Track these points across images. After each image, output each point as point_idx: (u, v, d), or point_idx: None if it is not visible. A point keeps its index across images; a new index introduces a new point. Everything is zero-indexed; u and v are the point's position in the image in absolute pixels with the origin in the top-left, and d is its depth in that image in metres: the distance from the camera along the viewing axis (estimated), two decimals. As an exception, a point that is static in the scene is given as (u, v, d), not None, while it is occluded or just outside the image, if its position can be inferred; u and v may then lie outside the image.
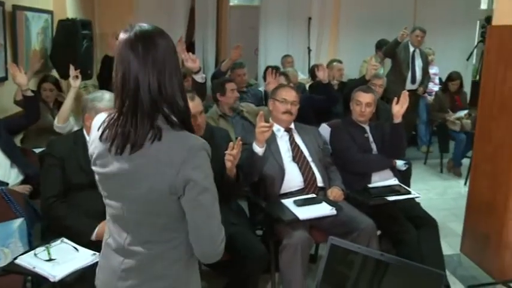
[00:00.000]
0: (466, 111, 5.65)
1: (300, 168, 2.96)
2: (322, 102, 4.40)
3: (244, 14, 7.46)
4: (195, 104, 2.48)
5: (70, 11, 5.01)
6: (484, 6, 7.68)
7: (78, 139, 2.54)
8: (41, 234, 2.58)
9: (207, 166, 1.32)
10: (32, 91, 3.46)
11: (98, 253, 2.09)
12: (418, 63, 6.03)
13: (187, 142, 1.30)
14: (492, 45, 3.27)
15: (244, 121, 4.07)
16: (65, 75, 4.07)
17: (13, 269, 2.09)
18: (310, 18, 6.74)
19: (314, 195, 2.86)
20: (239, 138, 2.49)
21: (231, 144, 2.44)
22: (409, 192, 3.06)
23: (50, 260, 2.09)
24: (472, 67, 7.34)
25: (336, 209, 2.69)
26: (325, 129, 3.43)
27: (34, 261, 2.07)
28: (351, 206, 2.88)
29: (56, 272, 2.01)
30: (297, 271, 2.58)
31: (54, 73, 4.53)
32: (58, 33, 4.56)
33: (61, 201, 2.42)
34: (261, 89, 5.33)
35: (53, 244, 2.19)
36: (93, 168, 1.41)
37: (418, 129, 6.57)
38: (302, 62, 6.75)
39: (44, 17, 4.65)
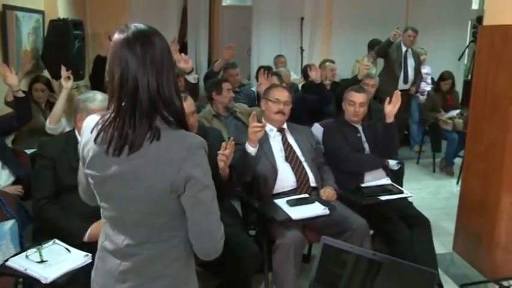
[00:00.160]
0: (458, 111, 5.69)
1: (293, 168, 2.96)
2: (314, 102, 4.40)
3: (237, 14, 7.45)
4: (187, 104, 2.47)
5: (61, 11, 4.98)
6: (475, 6, 7.73)
7: (70, 140, 2.52)
8: (32, 236, 2.55)
9: (205, 163, 1.34)
10: (23, 92, 3.43)
11: (90, 254, 2.08)
12: (411, 63, 6.05)
13: (186, 141, 1.31)
14: (483, 45, 3.29)
15: (238, 121, 4.08)
16: (57, 76, 4.05)
17: (4, 271, 2.07)
18: (302, 18, 6.75)
19: (307, 195, 2.86)
20: (232, 138, 2.49)
21: (223, 144, 2.43)
22: (401, 192, 3.07)
23: (42, 261, 2.07)
24: (463, 67, 7.39)
25: (328, 209, 2.69)
26: (317, 129, 3.43)
27: (26, 263, 2.06)
28: (343, 206, 2.88)
29: (47, 273, 1.99)
30: (290, 271, 2.58)
31: (46, 73, 4.50)
32: (49, 33, 4.52)
33: (53, 203, 2.40)
34: (254, 89, 5.32)
35: (44, 245, 2.17)
36: (88, 171, 1.39)
37: (411, 129, 6.60)
38: (295, 62, 6.75)
39: (35, 17, 4.61)
